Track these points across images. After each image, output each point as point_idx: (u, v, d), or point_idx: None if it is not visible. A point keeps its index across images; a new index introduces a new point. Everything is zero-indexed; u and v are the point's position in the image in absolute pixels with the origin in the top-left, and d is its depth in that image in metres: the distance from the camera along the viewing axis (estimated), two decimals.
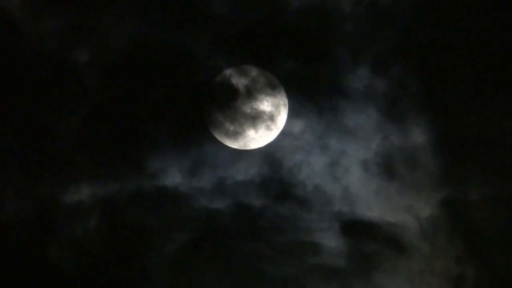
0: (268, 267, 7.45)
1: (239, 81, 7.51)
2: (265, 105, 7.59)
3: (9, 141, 7.16)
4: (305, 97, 7.54)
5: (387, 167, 7.45)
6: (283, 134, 7.54)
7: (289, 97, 7.56)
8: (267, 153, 7.57)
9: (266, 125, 7.58)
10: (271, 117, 7.57)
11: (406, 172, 7.41)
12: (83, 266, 7.41)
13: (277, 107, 7.62)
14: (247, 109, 7.57)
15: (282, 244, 7.47)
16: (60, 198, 7.37)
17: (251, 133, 7.62)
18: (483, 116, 7.34)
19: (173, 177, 7.49)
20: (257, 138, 7.62)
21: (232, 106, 7.53)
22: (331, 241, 7.38)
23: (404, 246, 7.48)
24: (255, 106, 7.57)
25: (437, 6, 7.52)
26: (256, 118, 7.59)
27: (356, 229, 7.47)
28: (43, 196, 7.32)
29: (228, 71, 7.54)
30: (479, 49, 7.48)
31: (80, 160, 7.37)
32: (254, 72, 7.58)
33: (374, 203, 7.45)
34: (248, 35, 7.52)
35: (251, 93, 7.57)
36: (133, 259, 7.46)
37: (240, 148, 7.70)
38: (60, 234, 7.39)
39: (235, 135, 7.65)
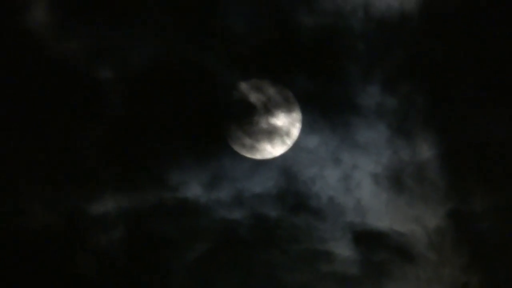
0: (284, 274, 7.85)
1: (256, 97, 7.88)
2: (281, 120, 7.98)
3: (38, 156, 7.51)
4: (319, 113, 7.92)
5: (397, 181, 7.85)
6: (298, 148, 7.92)
7: (303, 112, 7.95)
8: (283, 166, 7.96)
9: (281, 139, 7.98)
10: (287, 132, 7.96)
11: (414, 185, 7.82)
12: (108, 273, 7.79)
13: (292, 122, 8.00)
14: (263, 124, 7.96)
15: (297, 253, 7.87)
16: (86, 209, 7.75)
17: (267, 146, 8.01)
18: (486, 132, 7.74)
19: (194, 190, 7.87)
20: (273, 152, 8.01)
21: (249, 121, 7.91)
22: (343, 250, 7.79)
23: (413, 255, 7.89)
24: (271, 121, 7.96)
25: (444, 24, 7.89)
26: (271, 133, 7.98)
27: (367, 238, 7.88)
28: (70, 208, 7.70)
29: (244, 87, 7.90)
30: (485, 66, 7.87)
31: (105, 173, 7.74)
32: (270, 88, 7.96)
33: (384, 214, 7.86)
34: (264, 53, 7.88)
35: (267, 108, 7.95)
36: (155, 267, 7.84)
37: (257, 159, 8.08)
38: (86, 244, 7.77)
39: (252, 148, 8.03)
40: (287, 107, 7.88)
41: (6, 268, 7.62)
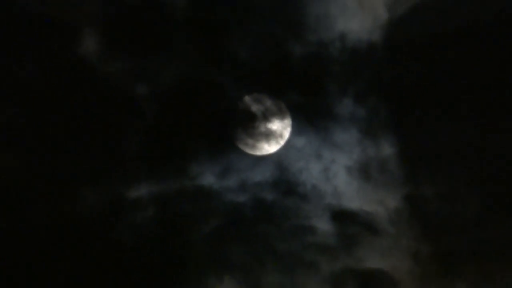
0: (277, 244, 10.19)
1: (257, 108, 10.20)
2: (275, 125, 10.31)
3: (91, 155, 9.80)
4: (305, 120, 10.26)
5: (365, 172, 10.21)
6: (289, 147, 10.27)
7: (293, 119, 10.28)
8: (277, 161, 10.30)
9: (276, 140, 10.31)
10: (280, 134, 10.29)
11: (378, 175, 10.18)
12: (141, 242, 10.09)
13: (284, 126, 10.33)
14: (262, 128, 10.29)
15: (287, 227, 10.22)
16: (124, 194, 10.05)
17: (265, 145, 10.35)
18: (433, 135, 10.09)
19: (208, 179, 10.20)
20: (269, 149, 10.35)
21: (250, 125, 10.24)
22: (323, 225, 10.14)
23: (377, 229, 10.25)
24: (268, 126, 10.29)
25: (401, 52, 10.24)
26: (268, 135, 10.31)
27: (342, 216, 10.23)
28: (114, 193, 9.99)
29: (248, 100, 10.22)
30: (431, 86, 10.23)
31: (140, 167, 10.04)
32: (267, 101, 10.28)
33: (355, 197, 10.22)
34: (263, 74, 10.20)
35: (265, 116, 10.28)
36: (178, 238, 10.15)
37: (257, 155, 10.40)
38: (125, 221, 10.07)
39: (253, 147, 10.36)
40: (280, 115, 10.22)
41: (65, 239, 9.90)
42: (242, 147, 10.29)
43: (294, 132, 10.30)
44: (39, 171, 9.82)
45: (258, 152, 10.41)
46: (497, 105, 10.33)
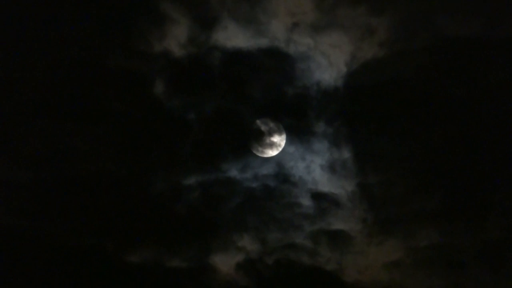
0: (276, 214, 16.09)
1: (264, 127, 16.07)
2: (275, 138, 16.17)
3: (159, 157, 15.65)
4: (295, 136, 16.18)
5: (332, 168, 16.14)
6: (284, 153, 16.16)
7: (287, 135, 16.16)
8: (277, 161, 16.20)
9: (276, 148, 16.19)
10: (279, 144, 16.17)
11: (341, 170, 16.11)
12: (191, 214, 15.93)
13: (281, 139, 16.20)
14: (267, 140, 16.15)
15: (283, 203, 16.12)
16: (181, 182, 15.89)
17: (269, 151, 16.22)
18: (375, 145, 16.02)
19: (233, 172, 16.05)
20: (272, 154, 16.23)
21: (260, 138, 16.11)
22: (306, 201, 16.05)
23: (340, 205, 16.17)
24: (271, 139, 16.14)
25: (357, 92, 16.12)
26: (271, 145, 16.17)
27: (318, 196, 16.15)
28: (173, 182, 15.83)
29: (260, 123, 16.07)
30: (379, 112, 16.13)
31: (191, 164, 15.90)
32: (270, 123, 16.15)
33: (326, 184, 16.14)
34: (268, 106, 16.06)
35: (269, 132, 16.15)
36: (214, 210, 16.01)
37: (264, 157, 16.28)
38: (181, 200, 15.92)
39: (262, 152, 16.23)
40: (279, 132, 16.08)
41: (143, 212, 15.72)
42: (255, 152, 16.19)
43: (287, 143, 16.21)
44: (127, 166, 15.68)
45: (265, 156, 16.32)
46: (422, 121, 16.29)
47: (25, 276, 15.25)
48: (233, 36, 15.65)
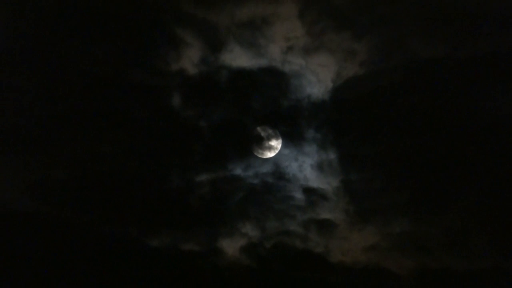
0: (274, 205, 19.30)
1: (263, 133, 19.23)
2: (273, 142, 19.34)
3: (176, 158, 18.78)
4: (289, 140, 19.36)
5: (320, 167, 19.35)
6: (280, 154, 19.36)
7: (283, 140, 19.34)
8: (274, 161, 19.40)
9: (274, 150, 19.36)
10: (276, 147, 19.34)
11: (327, 168, 19.32)
12: (203, 205, 19.10)
13: (277, 143, 19.38)
14: (266, 144, 19.32)
15: (279, 196, 19.33)
16: (194, 179, 19.05)
17: (267, 153, 19.39)
18: (356, 148, 19.22)
19: (238, 171, 19.25)
20: (269, 155, 19.41)
21: (260, 142, 19.28)
22: (299, 195, 19.29)
23: (327, 197, 19.40)
24: (269, 143, 19.31)
25: (341, 106, 19.29)
26: (269, 147, 19.34)
27: (308, 191, 19.37)
28: (187, 179, 18.99)
29: (260, 129, 19.23)
30: (356, 122, 19.32)
31: (202, 164, 19.06)
32: (269, 130, 19.31)
33: (315, 180, 19.35)
34: (266, 116, 19.22)
35: (268, 137, 19.31)
36: (222, 202, 19.18)
37: (263, 158, 19.45)
38: (194, 194, 19.07)
39: (261, 153, 19.39)
40: (276, 137, 19.27)
41: (157, 205, 18.86)
42: (256, 154, 19.37)
43: (283, 146, 19.41)
44: (149, 166, 18.84)
45: (264, 157, 19.50)
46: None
47: (65, 257, 18.38)
48: (237, 57, 18.84)
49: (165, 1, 18.14)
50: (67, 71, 18.57)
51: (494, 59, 19.26)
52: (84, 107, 18.64)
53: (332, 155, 19.37)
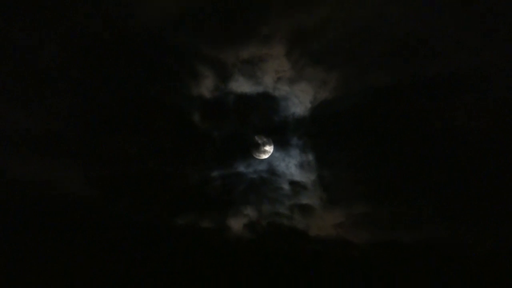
0: (268, 193, 26.22)
1: (260, 141, 26.14)
2: (267, 147, 26.25)
3: (194, 159, 25.58)
4: (279, 145, 26.31)
5: (302, 165, 26.34)
6: (272, 156, 26.30)
7: (274, 146, 26.26)
8: (268, 161, 26.33)
9: (267, 153, 26.27)
10: (269, 151, 26.25)
11: (307, 167, 26.32)
12: (215, 195, 25.91)
13: (270, 147, 26.29)
14: (262, 148, 26.23)
15: (272, 187, 26.28)
16: (209, 174, 25.85)
17: (263, 155, 26.29)
18: (330, 151, 26.26)
19: (241, 168, 26.13)
20: (264, 157, 26.32)
21: (258, 148, 26.18)
22: (286, 186, 26.27)
23: (306, 188, 26.41)
24: (264, 148, 26.22)
25: (319, 121, 26.31)
26: (265, 151, 26.24)
27: (293, 183, 26.37)
28: (204, 175, 25.77)
29: (257, 138, 26.13)
30: (331, 133, 26.38)
31: (214, 164, 25.89)
32: (264, 138, 26.21)
33: (299, 176, 26.33)
34: (263, 128, 26.12)
35: (263, 144, 26.22)
36: (229, 192, 26.02)
37: (260, 159, 26.35)
38: (209, 186, 25.86)
39: (258, 155, 26.28)
40: (269, 143, 26.19)
41: (181, 194, 25.62)
42: (255, 156, 26.31)
43: (274, 151, 26.42)
44: (175, 165, 25.58)
45: (261, 158, 26.46)
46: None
47: (113, 233, 25.01)
48: (241, 85, 25.79)
49: (189, 45, 25.00)
50: (118, 94, 25.25)
51: (431, 82, 26.55)
52: (130, 124, 25.35)
53: (310, 157, 26.43)
